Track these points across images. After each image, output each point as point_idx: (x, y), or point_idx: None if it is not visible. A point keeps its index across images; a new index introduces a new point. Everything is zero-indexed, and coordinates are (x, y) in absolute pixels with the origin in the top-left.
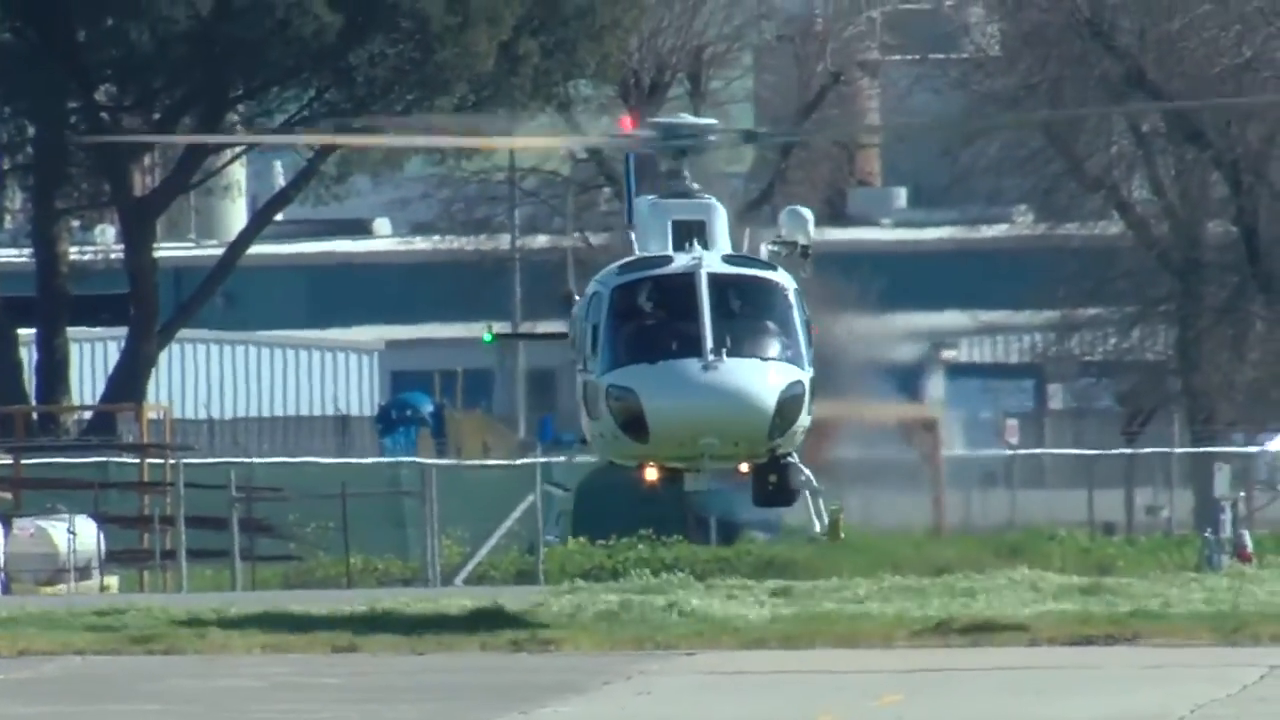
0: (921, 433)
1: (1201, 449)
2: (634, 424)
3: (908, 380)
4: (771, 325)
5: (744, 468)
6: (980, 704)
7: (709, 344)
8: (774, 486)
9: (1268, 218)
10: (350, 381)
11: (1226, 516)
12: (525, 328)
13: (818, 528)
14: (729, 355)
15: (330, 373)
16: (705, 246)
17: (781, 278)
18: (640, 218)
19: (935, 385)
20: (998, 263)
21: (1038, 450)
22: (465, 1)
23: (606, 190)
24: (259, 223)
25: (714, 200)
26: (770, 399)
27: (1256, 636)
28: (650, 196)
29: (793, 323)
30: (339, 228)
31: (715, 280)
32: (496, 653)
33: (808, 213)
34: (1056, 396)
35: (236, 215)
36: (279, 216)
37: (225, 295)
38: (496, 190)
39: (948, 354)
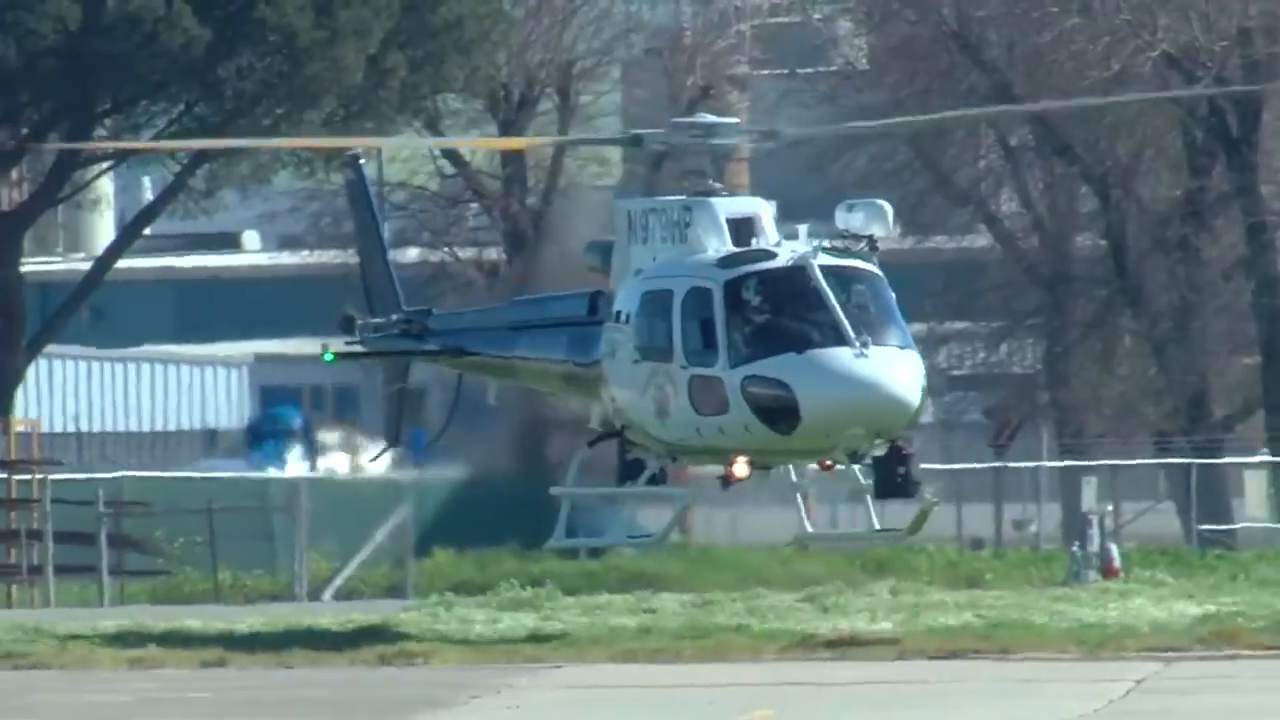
0: None
1: (1070, 463)
2: (782, 415)
3: None
4: (888, 314)
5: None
6: (850, 718)
7: (852, 334)
8: (902, 478)
9: (1136, 231)
10: (219, 396)
11: (1094, 530)
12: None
13: (877, 524)
14: (872, 346)
15: (199, 387)
16: (761, 242)
17: (876, 268)
18: (674, 218)
19: None
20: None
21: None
22: (333, 15)
23: (474, 205)
24: (127, 237)
25: (759, 198)
26: (918, 388)
27: (1122, 650)
28: (673, 196)
29: (898, 311)
30: (207, 242)
31: (829, 271)
32: (365, 667)
33: (888, 206)
34: (925, 410)
35: (104, 229)
36: (147, 230)
37: (93, 309)
38: None
39: None
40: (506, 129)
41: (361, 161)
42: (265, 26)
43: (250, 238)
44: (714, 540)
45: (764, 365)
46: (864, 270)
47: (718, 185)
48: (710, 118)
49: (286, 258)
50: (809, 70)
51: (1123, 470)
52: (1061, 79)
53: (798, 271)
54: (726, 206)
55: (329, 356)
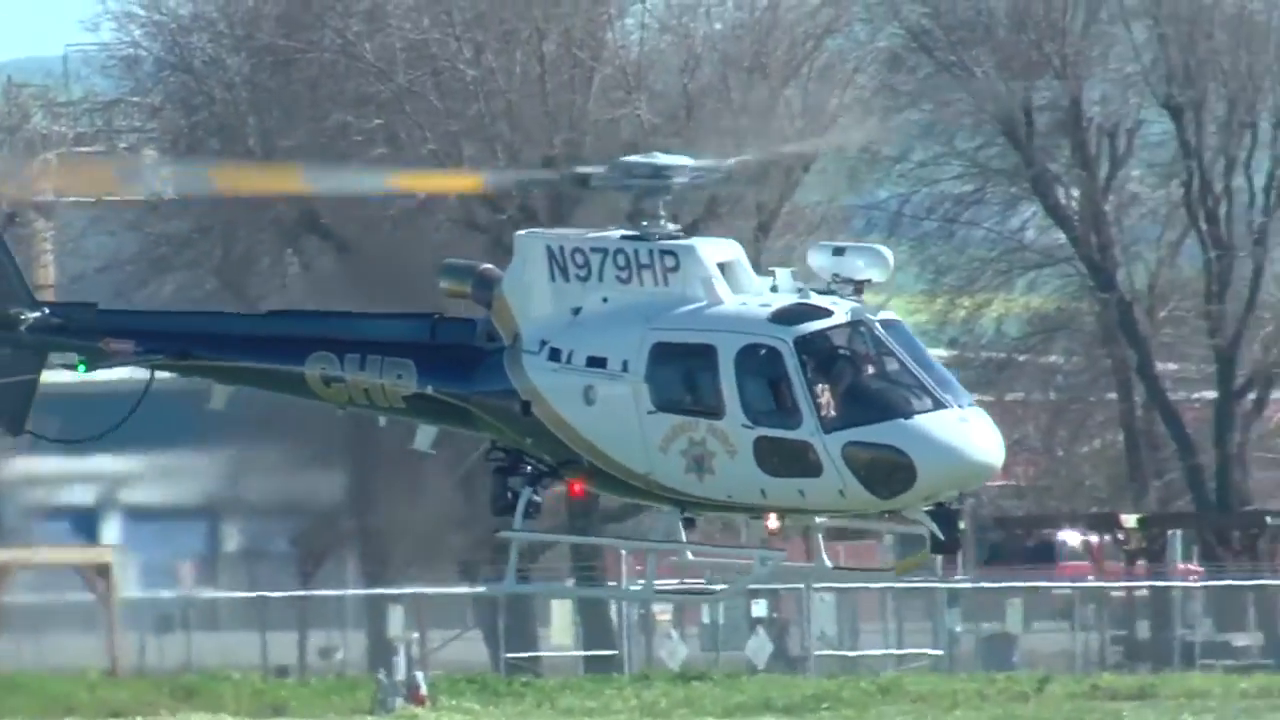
0: (95, 576)
1: (376, 590)
2: (893, 481)
3: (83, 522)
4: (942, 368)
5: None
6: None
7: (944, 395)
8: (962, 531)
9: None
10: None
11: (401, 658)
12: None
13: (829, 563)
14: (963, 405)
15: None
16: (747, 286)
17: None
18: (643, 260)
19: (112, 527)
20: (175, 403)
21: (212, 593)
22: None
23: None
24: None
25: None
26: (1003, 445)
27: None
28: (610, 233)
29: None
30: None
31: (886, 327)
32: None
33: (888, 251)
34: (231, 538)
35: None
36: None
37: None
38: None
39: (125, 496)
40: None
41: None
42: None
43: None
44: (21, 666)
45: (871, 431)
46: (901, 322)
47: (672, 226)
48: (661, 156)
49: None
50: (114, 199)
51: (430, 598)
52: (368, 208)
53: (865, 329)
54: (712, 250)
55: (81, 367)
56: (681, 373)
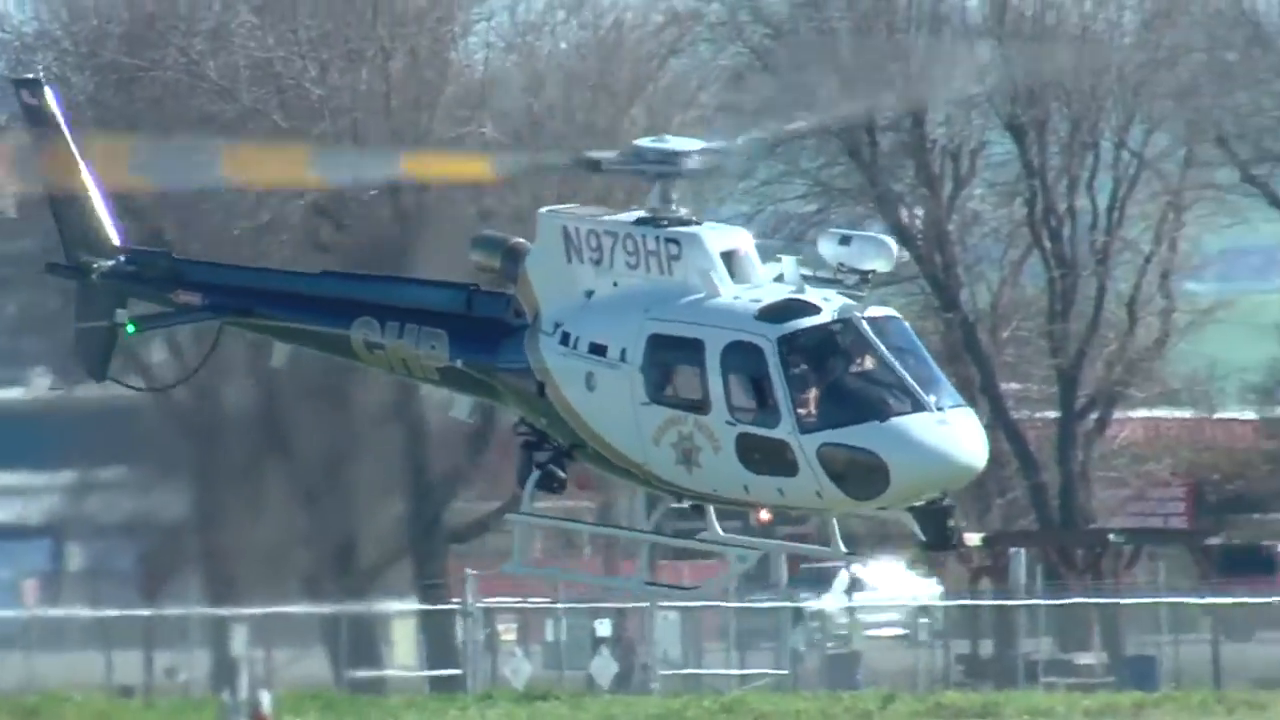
0: None
1: (220, 610)
2: (867, 483)
3: None
4: (933, 366)
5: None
6: None
7: (925, 396)
8: (950, 530)
9: (289, 379)
10: None
11: (244, 678)
12: None
13: (843, 548)
14: (944, 407)
15: None
16: (751, 276)
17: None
18: (650, 247)
19: None
20: (15, 424)
21: (55, 612)
22: None
23: None
24: None
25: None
26: (986, 447)
27: None
28: (623, 217)
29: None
30: None
31: (876, 324)
32: None
33: (891, 240)
34: (75, 557)
35: None
36: None
37: None
38: None
39: None
40: None
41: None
42: None
43: None
44: None
45: (846, 433)
46: (896, 318)
47: (683, 211)
48: (673, 140)
49: None
50: None
51: (274, 617)
52: (213, 226)
53: (850, 327)
54: (716, 239)
55: (131, 328)
56: (673, 366)
